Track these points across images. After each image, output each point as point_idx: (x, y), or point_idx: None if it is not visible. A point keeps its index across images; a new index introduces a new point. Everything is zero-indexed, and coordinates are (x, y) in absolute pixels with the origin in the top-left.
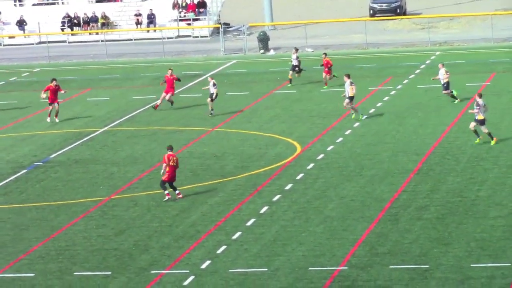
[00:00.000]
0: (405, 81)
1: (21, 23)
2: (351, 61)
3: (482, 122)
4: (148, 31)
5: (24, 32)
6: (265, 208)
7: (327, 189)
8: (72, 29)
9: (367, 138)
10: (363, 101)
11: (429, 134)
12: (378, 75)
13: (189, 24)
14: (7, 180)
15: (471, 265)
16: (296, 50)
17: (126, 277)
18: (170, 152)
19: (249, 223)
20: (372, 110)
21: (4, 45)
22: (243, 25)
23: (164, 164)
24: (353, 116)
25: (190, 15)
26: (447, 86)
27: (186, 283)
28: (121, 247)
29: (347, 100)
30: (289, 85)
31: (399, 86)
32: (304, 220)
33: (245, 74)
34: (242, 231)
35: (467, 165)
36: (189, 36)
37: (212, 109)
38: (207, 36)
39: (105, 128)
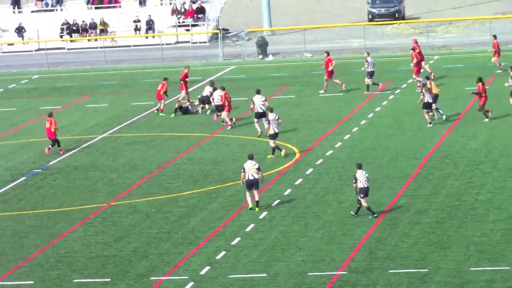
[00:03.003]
0: (404, 86)
1: (20, 30)
2: (350, 66)
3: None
4: (147, 37)
5: (23, 39)
6: (264, 214)
7: (326, 194)
8: (70, 36)
9: (366, 143)
10: (362, 106)
11: (428, 138)
12: (377, 79)
13: (187, 30)
14: (6, 188)
15: (471, 268)
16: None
17: (125, 284)
18: None
19: (248, 229)
20: (370, 115)
21: (3, 52)
22: (242, 31)
23: None
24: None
25: (189, 21)
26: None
27: None
28: (120, 253)
29: (271, 141)
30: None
31: (398, 91)
32: (303, 225)
33: (244, 79)
34: (241, 237)
35: (466, 169)
36: (188, 42)
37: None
38: (206, 42)
39: (104, 135)
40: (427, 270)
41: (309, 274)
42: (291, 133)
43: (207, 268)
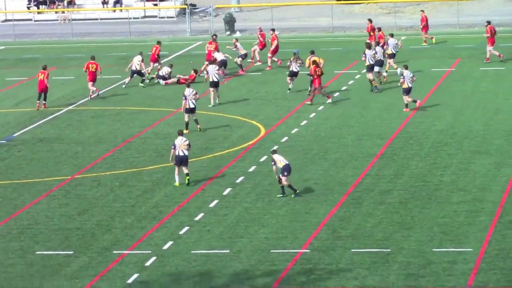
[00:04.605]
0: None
1: None
2: (317, 44)
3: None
4: (114, 10)
5: None
6: (228, 190)
7: (291, 171)
8: (38, 8)
9: (331, 121)
10: (329, 84)
11: (393, 119)
12: (344, 58)
13: (155, 5)
14: None
15: (433, 249)
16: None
17: (88, 257)
18: None
19: (212, 205)
20: (336, 94)
21: None
22: (210, 7)
23: None
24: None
25: None
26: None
27: (148, 263)
28: (83, 226)
29: (186, 115)
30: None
31: (364, 70)
32: (267, 202)
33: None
34: (205, 213)
35: (431, 150)
36: (156, 16)
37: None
38: (173, 17)
39: (70, 107)
40: (389, 250)
41: (272, 251)
42: (256, 110)
43: (170, 243)
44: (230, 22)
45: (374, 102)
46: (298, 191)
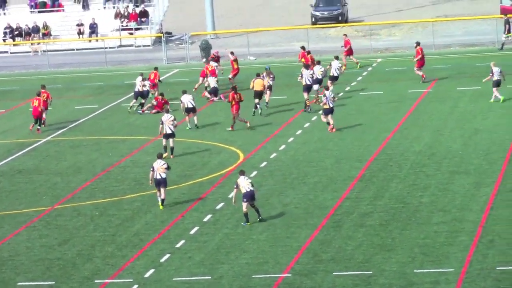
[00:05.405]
0: (347, 88)
1: None
2: (293, 69)
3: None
4: (90, 41)
5: None
6: (208, 216)
7: (270, 196)
8: (14, 40)
9: (310, 145)
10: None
11: (371, 141)
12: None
13: (131, 34)
14: None
15: (415, 271)
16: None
17: (69, 287)
18: None
19: (192, 232)
20: (314, 118)
21: None
22: (186, 34)
23: None
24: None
25: (132, 24)
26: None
27: None
28: (64, 256)
29: (164, 140)
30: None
31: (341, 93)
32: (247, 228)
33: (188, 83)
34: (186, 240)
35: (410, 171)
36: (131, 45)
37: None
38: (149, 45)
39: (48, 138)
40: (371, 272)
41: (253, 276)
42: (234, 135)
43: (152, 270)
44: (206, 49)
45: (352, 125)
46: (249, 223)
